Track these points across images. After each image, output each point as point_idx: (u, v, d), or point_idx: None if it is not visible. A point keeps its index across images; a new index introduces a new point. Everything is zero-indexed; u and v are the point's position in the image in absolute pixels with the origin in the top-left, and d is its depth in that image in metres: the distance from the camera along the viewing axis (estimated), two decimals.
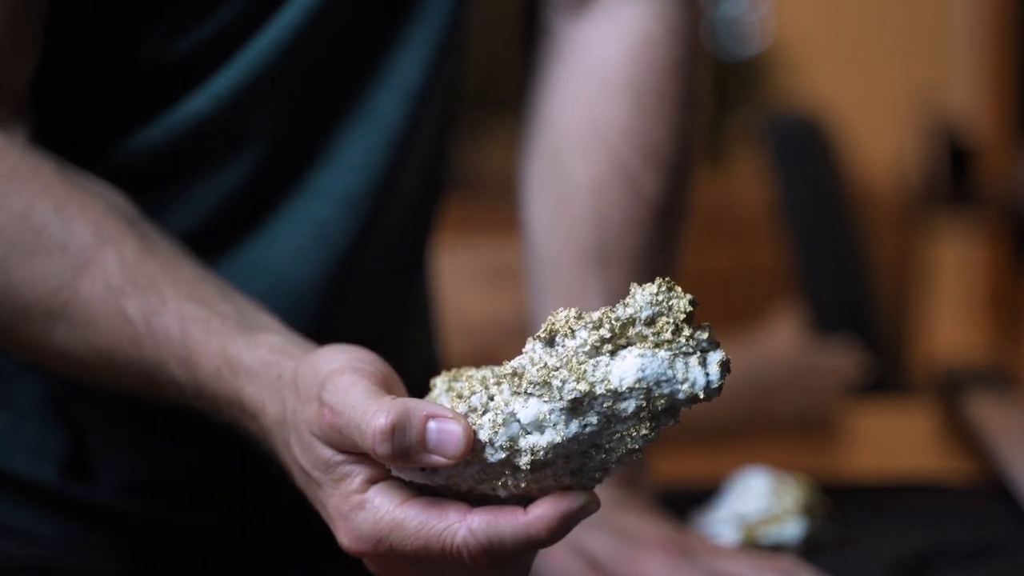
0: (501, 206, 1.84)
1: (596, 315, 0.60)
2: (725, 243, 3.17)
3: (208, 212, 0.83)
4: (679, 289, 0.60)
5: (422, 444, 0.60)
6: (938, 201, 3.53)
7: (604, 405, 0.59)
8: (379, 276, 0.90)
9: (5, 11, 0.75)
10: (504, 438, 0.60)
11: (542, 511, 0.61)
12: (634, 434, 0.60)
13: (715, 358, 0.60)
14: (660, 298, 0.59)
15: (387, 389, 0.64)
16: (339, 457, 0.64)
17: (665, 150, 0.91)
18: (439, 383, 0.66)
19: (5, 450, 0.85)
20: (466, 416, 0.61)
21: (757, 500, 0.93)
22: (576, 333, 0.60)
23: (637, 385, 0.59)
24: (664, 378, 0.59)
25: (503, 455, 0.60)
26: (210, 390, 0.71)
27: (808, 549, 0.90)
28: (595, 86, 0.91)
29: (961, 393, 1.34)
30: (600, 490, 0.85)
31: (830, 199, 2.23)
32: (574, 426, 0.60)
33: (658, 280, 0.60)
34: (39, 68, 0.79)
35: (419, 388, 0.71)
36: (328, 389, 0.63)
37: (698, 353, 0.60)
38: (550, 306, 0.89)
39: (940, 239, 3.81)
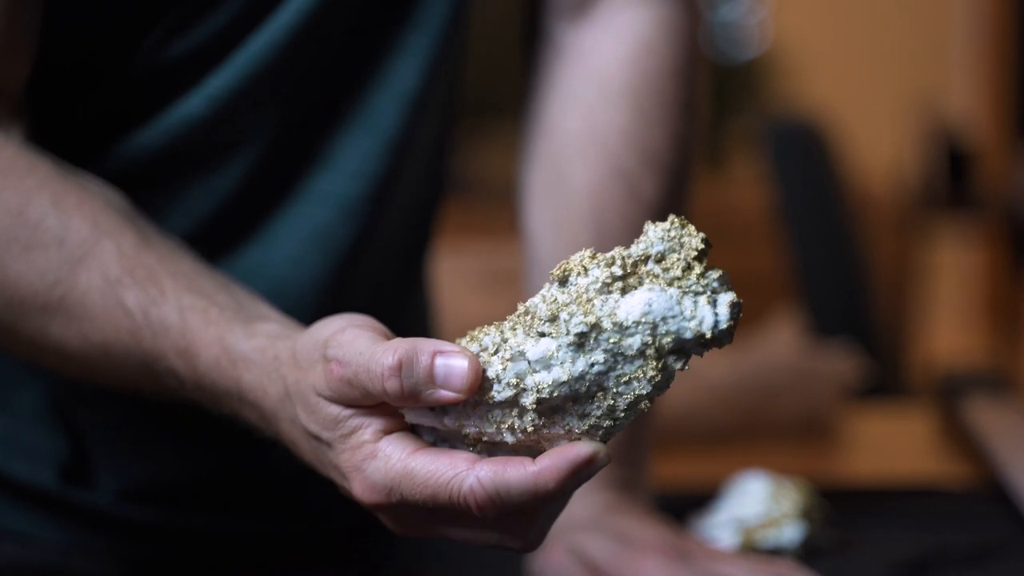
0: (500, 210, 1.85)
1: (609, 254, 0.60)
2: (724, 247, 3.15)
3: (205, 215, 0.83)
4: (692, 228, 0.59)
5: (430, 378, 0.60)
6: (937, 205, 3.53)
7: (610, 341, 0.59)
8: (378, 281, 0.90)
9: (1, 8, 0.75)
10: (511, 375, 0.60)
11: (550, 461, 0.60)
12: (641, 376, 0.59)
13: (725, 299, 0.59)
14: (672, 234, 0.59)
15: (388, 339, 0.64)
16: (347, 411, 0.63)
17: (664, 155, 0.91)
18: (463, 343, 0.66)
19: (5, 454, 0.85)
20: (477, 354, 0.61)
21: (756, 504, 0.93)
22: (589, 271, 0.60)
23: (643, 319, 0.59)
24: (671, 314, 0.59)
25: (510, 393, 0.60)
26: (209, 380, 0.70)
27: (807, 553, 0.90)
28: (595, 91, 0.91)
29: (960, 397, 1.34)
30: (599, 493, 0.86)
31: (829, 203, 2.24)
32: (580, 364, 0.59)
33: (671, 217, 0.60)
34: (35, 72, 0.79)
35: None
36: (332, 346, 0.63)
37: (708, 293, 0.59)
38: None
39: (939, 243, 3.81)
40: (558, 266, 0.61)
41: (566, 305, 0.60)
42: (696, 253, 0.59)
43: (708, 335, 0.59)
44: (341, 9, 0.83)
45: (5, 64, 0.77)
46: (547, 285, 0.61)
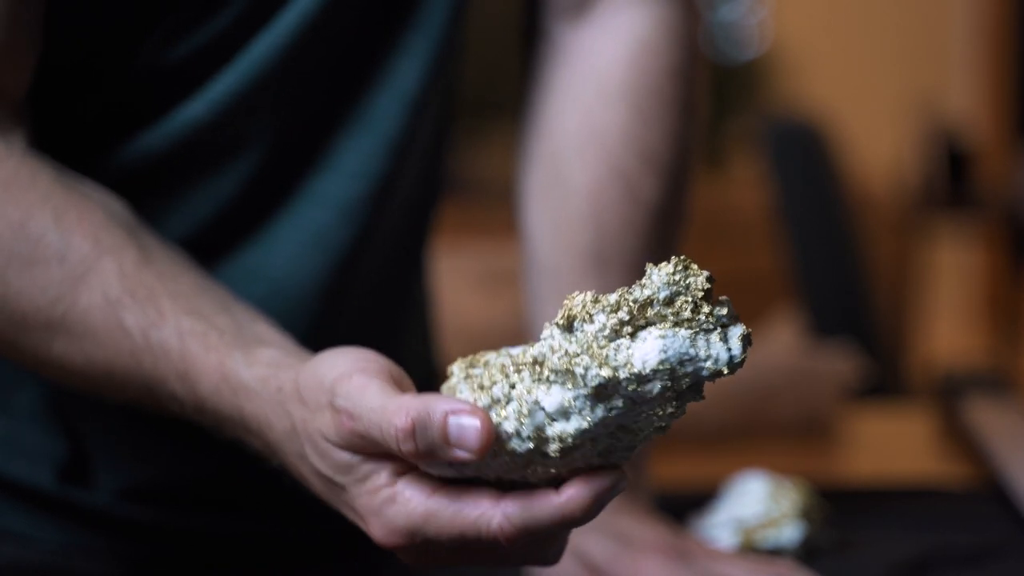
0: (499, 210, 1.84)
1: (613, 298, 0.59)
2: (724, 247, 3.17)
3: (206, 218, 0.83)
4: (695, 267, 0.59)
5: (444, 440, 0.60)
6: (937, 205, 3.53)
7: (629, 388, 0.59)
8: (377, 282, 0.90)
9: (3, 11, 0.75)
10: (530, 428, 0.60)
11: (575, 491, 0.61)
12: (660, 413, 0.60)
13: (736, 332, 0.59)
14: (677, 277, 0.59)
15: (397, 384, 0.64)
16: (359, 457, 0.64)
17: (663, 155, 0.91)
18: (456, 371, 0.66)
19: (4, 455, 0.85)
20: (489, 408, 0.61)
21: (755, 504, 0.93)
22: (594, 317, 0.59)
23: (661, 367, 0.58)
24: (687, 357, 0.58)
25: (531, 445, 0.60)
26: (211, 406, 0.71)
27: (806, 553, 0.90)
28: (594, 91, 0.91)
29: (959, 397, 1.34)
30: None
31: (829, 203, 2.24)
32: (600, 411, 0.59)
33: (674, 259, 0.59)
34: (36, 75, 0.79)
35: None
36: (340, 395, 0.63)
37: (719, 329, 0.59)
38: (549, 310, 0.89)
39: (939, 243, 3.81)
40: (560, 312, 0.60)
41: (577, 355, 0.59)
42: (703, 293, 0.59)
43: (725, 371, 0.59)
44: (342, 11, 0.83)
45: (7, 67, 0.77)
46: (549, 328, 0.60)
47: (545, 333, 0.61)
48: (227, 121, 0.81)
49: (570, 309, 0.60)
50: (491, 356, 0.65)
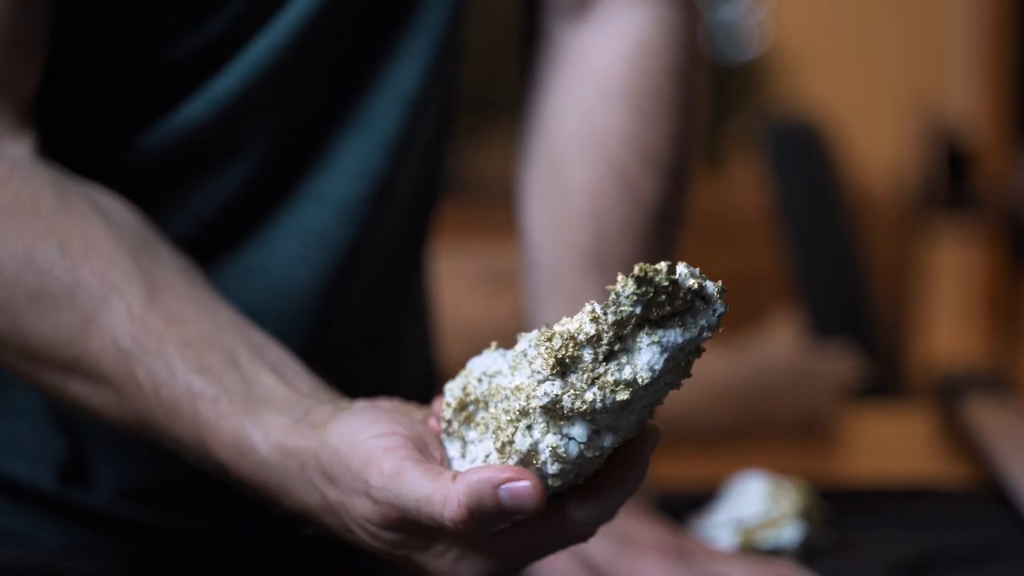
0: (499, 210, 1.85)
1: (590, 328, 0.59)
2: (723, 248, 3.17)
3: (206, 218, 0.83)
4: (651, 269, 0.59)
5: (502, 513, 0.60)
6: (936, 205, 3.53)
7: (648, 389, 0.60)
8: (377, 282, 0.90)
9: (7, 12, 0.75)
10: (571, 461, 0.61)
11: (626, 468, 0.62)
12: (674, 379, 0.61)
13: (711, 293, 0.60)
14: (643, 289, 0.59)
15: (421, 449, 0.64)
16: (411, 534, 0.64)
17: (663, 155, 0.91)
18: (450, 415, 0.65)
19: (3, 455, 0.85)
20: (523, 460, 0.61)
21: (755, 504, 0.93)
22: (582, 354, 0.59)
23: (667, 365, 0.59)
24: (684, 340, 0.59)
25: (577, 470, 0.61)
26: (232, 472, 0.70)
27: (806, 553, 0.91)
28: (594, 91, 0.91)
29: (959, 397, 1.34)
30: None
31: (828, 203, 2.24)
32: (626, 414, 0.60)
33: (630, 277, 0.58)
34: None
35: (417, 394, 0.70)
36: (375, 487, 0.63)
37: (697, 300, 0.60)
38: (548, 310, 0.90)
39: (938, 243, 3.81)
40: (544, 360, 0.60)
41: (585, 390, 0.59)
42: (670, 285, 0.59)
43: (719, 328, 0.60)
44: (342, 11, 0.83)
45: (15, 66, 0.76)
46: (540, 373, 0.60)
47: (538, 377, 0.60)
48: (227, 121, 0.81)
49: (555, 352, 0.60)
50: (472, 385, 0.65)
